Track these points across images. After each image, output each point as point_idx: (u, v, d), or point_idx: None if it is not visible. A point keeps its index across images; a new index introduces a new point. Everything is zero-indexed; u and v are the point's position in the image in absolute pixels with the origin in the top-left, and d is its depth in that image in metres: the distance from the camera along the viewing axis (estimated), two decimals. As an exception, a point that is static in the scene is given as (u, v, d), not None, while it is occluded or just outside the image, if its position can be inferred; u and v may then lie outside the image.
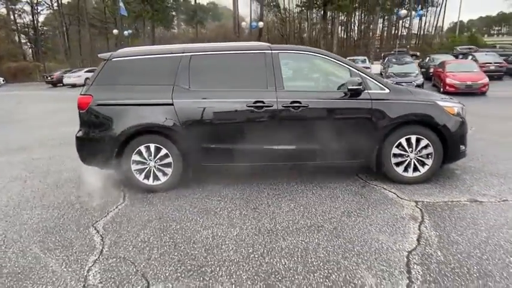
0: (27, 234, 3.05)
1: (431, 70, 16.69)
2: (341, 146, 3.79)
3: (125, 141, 3.79)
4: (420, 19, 43.83)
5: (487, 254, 2.45)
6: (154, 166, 3.87)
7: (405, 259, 2.43)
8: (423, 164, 3.83)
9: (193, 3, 50.79)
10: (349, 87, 3.64)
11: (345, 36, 52.53)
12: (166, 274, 2.38)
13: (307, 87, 4.05)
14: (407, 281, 2.19)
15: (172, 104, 3.75)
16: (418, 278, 2.22)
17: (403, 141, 3.78)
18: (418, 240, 2.68)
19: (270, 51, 3.84)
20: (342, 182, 3.98)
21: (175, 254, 2.63)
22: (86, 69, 27.36)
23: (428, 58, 20.67)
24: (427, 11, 36.26)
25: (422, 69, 17.44)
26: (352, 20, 50.73)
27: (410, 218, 3.06)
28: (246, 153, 3.82)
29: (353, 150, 3.83)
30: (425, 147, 3.78)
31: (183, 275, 2.36)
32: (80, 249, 2.77)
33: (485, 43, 46.54)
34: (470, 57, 18.03)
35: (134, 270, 2.44)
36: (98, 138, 3.85)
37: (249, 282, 2.25)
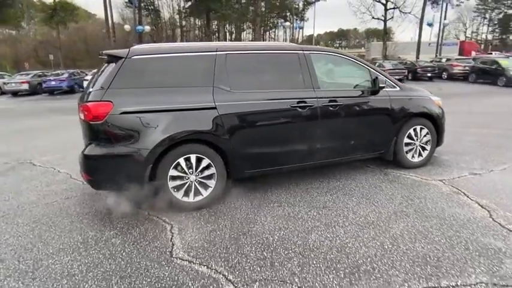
0: None
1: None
2: (370, 140, 4.14)
3: (160, 155, 3.22)
4: (285, 32, 49.34)
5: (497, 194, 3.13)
6: (196, 180, 3.40)
7: (496, 224, 2.89)
8: (424, 149, 4.49)
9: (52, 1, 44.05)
10: (380, 85, 3.99)
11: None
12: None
13: (337, 86, 4.23)
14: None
15: (215, 108, 3.37)
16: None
17: (411, 131, 4.35)
18: (482, 207, 3.20)
19: (302, 52, 3.86)
20: (364, 174, 4.29)
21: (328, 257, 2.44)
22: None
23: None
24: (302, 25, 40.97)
25: None
26: (232, 29, 53.31)
27: (454, 193, 3.59)
28: (290, 155, 3.77)
29: (378, 143, 4.21)
30: (426, 135, 4.46)
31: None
32: None
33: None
34: (377, 63, 21.71)
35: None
36: (125, 154, 3.15)
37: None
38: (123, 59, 3.22)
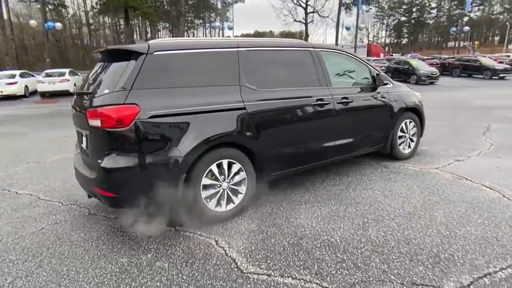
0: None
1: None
2: (374, 135, 4.31)
3: (192, 163, 2.88)
4: (210, 32, 48.90)
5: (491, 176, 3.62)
6: (227, 187, 3.13)
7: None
8: (412, 141, 4.86)
9: None
10: (384, 82, 4.18)
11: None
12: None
13: (345, 83, 4.27)
14: None
15: (244, 108, 3.14)
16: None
17: (403, 125, 4.66)
18: (491, 189, 3.58)
19: (313, 49, 3.84)
20: (367, 168, 4.45)
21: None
22: None
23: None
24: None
25: None
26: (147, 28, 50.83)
27: (457, 178, 3.95)
28: (311, 154, 3.73)
29: (379, 137, 4.41)
30: (413, 128, 4.82)
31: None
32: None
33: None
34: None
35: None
36: (155, 165, 2.74)
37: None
38: (144, 55, 2.79)
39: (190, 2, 42.19)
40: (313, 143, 3.70)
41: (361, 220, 3.03)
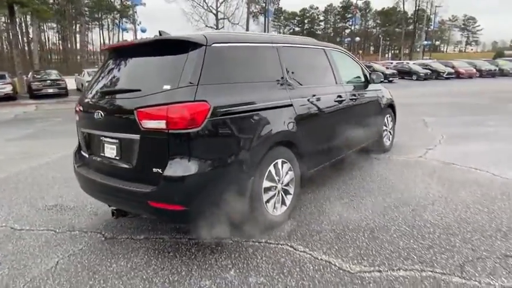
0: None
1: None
2: (372, 129, 4.60)
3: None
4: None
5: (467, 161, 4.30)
6: (281, 188, 2.95)
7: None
8: (390, 134, 5.33)
9: None
10: (381, 80, 4.48)
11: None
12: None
13: (350, 81, 4.39)
14: None
15: (291, 105, 3.02)
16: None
17: (385, 120, 5.09)
18: (481, 171, 4.15)
19: (326, 48, 3.92)
20: (364, 161, 4.70)
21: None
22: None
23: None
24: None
25: None
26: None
27: (444, 164, 4.47)
28: (336, 148, 3.79)
29: (375, 131, 4.73)
30: (391, 122, 5.30)
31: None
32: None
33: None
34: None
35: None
36: (227, 169, 2.44)
37: None
38: (204, 46, 2.44)
39: (86, 1, 38.19)
40: (337, 137, 3.77)
41: (409, 208, 3.18)
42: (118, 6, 47.98)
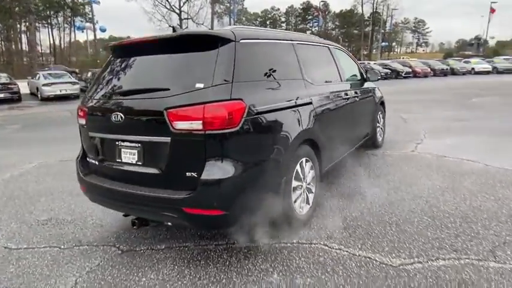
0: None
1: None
2: (369, 125, 4.71)
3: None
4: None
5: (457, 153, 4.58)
6: (306, 187, 2.92)
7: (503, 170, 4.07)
8: (382, 130, 5.49)
9: None
10: (379, 78, 4.59)
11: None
12: None
13: (350, 78, 4.43)
14: None
15: (311, 103, 3.01)
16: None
17: (377, 116, 5.23)
18: (473, 161, 4.39)
19: (328, 45, 3.95)
20: (362, 158, 4.79)
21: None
22: None
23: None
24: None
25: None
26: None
27: (438, 157, 4.67)
28: (345, 144, 3.84)
29: (371, 127, 4.84)
30: (382, 118, 5.46)
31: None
32: None
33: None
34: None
35: None
36: (263, 169, 2.37)
37: None
38: (233, 42, 2.35)
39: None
40: (346, 134, 3.82)
41: (423, 200, 3.28)
42: (70, 3, 45.48)
